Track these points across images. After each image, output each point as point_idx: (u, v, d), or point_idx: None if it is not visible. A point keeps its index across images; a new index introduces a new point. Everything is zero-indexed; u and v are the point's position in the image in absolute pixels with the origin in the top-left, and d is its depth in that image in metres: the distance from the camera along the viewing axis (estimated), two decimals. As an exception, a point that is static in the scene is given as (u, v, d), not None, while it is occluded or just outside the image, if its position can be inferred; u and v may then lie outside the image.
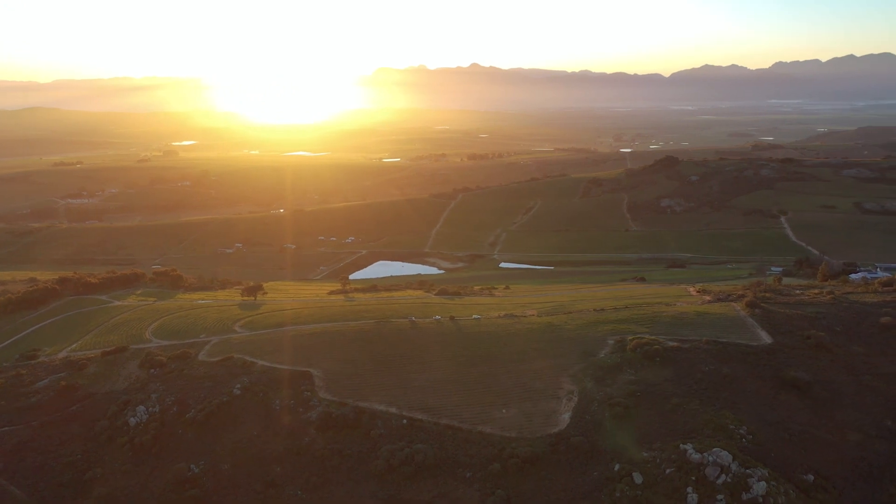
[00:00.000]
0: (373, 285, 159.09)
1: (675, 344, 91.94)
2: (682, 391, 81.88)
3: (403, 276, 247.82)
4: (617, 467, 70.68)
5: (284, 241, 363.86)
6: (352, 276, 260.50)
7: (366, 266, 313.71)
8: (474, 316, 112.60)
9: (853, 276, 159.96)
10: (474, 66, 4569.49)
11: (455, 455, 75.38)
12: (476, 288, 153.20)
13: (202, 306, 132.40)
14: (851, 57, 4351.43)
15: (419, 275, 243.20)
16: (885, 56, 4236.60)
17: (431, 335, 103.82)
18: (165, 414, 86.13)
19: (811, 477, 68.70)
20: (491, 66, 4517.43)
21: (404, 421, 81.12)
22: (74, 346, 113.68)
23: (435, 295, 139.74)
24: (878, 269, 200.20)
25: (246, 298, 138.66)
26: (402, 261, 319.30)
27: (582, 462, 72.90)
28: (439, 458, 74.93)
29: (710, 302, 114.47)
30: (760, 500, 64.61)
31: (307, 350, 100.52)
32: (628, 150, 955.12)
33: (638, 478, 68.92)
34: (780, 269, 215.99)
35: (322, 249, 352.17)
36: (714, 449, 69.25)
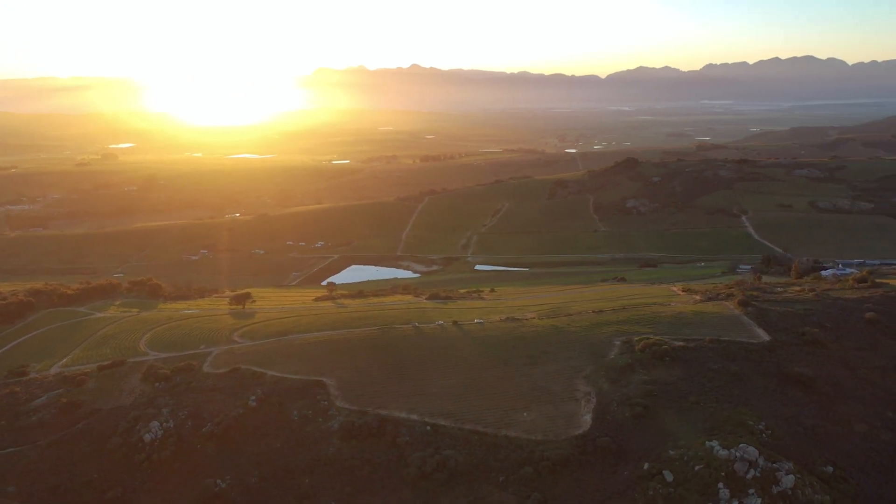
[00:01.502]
0: (359, 291, 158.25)
1: (682, 343, 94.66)
2: (697, 389, 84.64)
3: (381, 280, 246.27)
4: (646, 466, 72.52)
5: (252, 246, 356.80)
6: (327, 282, 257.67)
7: (339, 271, 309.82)
8: (476, 320, 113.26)
9: (824, 272, 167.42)
10: (414, 66, 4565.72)
11: (485, 460, 76.11)
12: (462, 291, 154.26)
13: (191, 316, 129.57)
14: (777, 60, 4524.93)
15: (395, 278, 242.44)
16: (808, 59, 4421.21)
17: (439, 341, 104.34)
18: (181, 429, 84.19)
19: (830, 468, 71.99)
20: (431, 67, 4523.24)
21: (428, 427, 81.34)
22: (65, 360, 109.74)
23: (426, 299, 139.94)
24: (840, 265, 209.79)
25: (235, 307, 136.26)
26: (376, 265, 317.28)
27: (611, 462, 74.56)
28: (470, 463, 75.48)
29: (701, 301, 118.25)
30: (790, 492, 67.39)
31: (316, 359, 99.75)
32: (573, 150, 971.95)
33: (669, 475, 70.92)
34: (749, 266, 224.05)
35: (293, 255, 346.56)
36: (740, 445, 71.75)
